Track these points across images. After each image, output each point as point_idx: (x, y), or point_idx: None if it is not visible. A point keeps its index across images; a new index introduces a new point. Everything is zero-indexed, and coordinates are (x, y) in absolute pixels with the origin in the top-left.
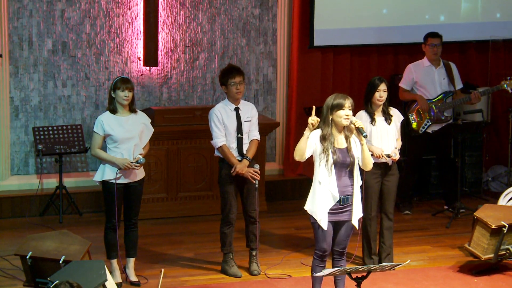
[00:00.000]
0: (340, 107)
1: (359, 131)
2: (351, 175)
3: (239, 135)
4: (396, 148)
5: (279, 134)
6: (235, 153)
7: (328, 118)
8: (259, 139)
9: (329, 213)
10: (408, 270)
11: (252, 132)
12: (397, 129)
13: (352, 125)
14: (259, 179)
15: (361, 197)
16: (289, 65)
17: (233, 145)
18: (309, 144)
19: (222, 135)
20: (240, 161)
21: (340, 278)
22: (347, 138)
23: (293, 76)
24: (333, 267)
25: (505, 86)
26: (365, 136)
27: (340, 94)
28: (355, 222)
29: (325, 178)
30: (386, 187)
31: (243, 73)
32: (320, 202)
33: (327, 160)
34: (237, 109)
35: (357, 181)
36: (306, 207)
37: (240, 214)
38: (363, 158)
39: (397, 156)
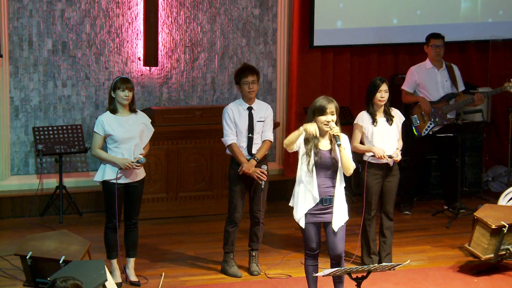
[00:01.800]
0: (321, 112)
1: (335, 139)
2: (334, 177)
3: (250, 135)
4: (397, 149)
5: (279, 134)
6: (244, 152)
7: (311, 121)
8: (272, 140)
9: (312, 214)
10: (408, 270)
11: (265, 133)
12: (398, 130)
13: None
14: (265, 180)
15: (345, 199)
16: (289, 65)
17: (243, 144)
18: (298, 140)
19: (233, 133)
20: (249, 160)
21: (338, 280)
22: (331, 140)
23: (293, 76)
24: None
25: (508, 88)
26: (339, 145)
27: (326, 97)
28: (336, 226)
29: (306, 178)
30: (386, 188)
31: (257, 73)
32: (300, 202)
33: (308, 161)
34: (250, 109)
35: (340, 183)
36: (290, 204)
37: (246, 214)
38: (342, 163)
39: (398, 157)
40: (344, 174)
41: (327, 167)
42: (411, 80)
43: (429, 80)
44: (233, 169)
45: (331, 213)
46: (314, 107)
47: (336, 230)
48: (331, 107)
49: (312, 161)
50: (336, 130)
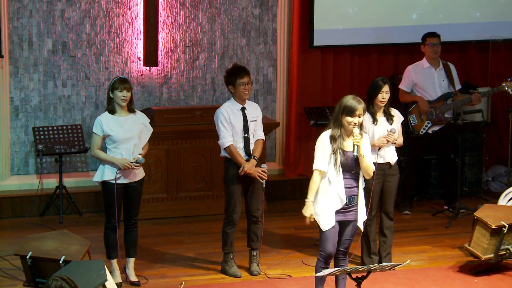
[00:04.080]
0: (350, 113)
1: (354, 148)
2: (357, 177)
3: (246, 135)
4: (390, 131)
5: (279, 134)
6: (242, 152)
7: (339, 119)
8: (264, 138)
9: (336, 212)
10: (408, 270)
11: (257, 132)
12: (398, 130)
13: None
14: (266, 178)
15: (364, 199)
16: (289, 65)
17: (240, 144)
18: (323, 155)
19: (229, 135)
20: (247, 160)
21: (342, 277)
22: None
23: (293, 76)
24: (335, 266)
25: (505, 87)
26: (356, 156)
27: (356, 97)
28: (361, 224)
29: (333, 178)
30: (386, 187)
31: (249, 73)
32: (326, 204)
33: (335, 161)
34: (243, 109)
35: (362, 182)
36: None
37: (243, 213)
38: (362, 168)
39: (395, 134)
40: None
41: (351, 168)
42: (408, 79)
43: (426, 80)
44: (232, 170)
45: (354, 211)
46: (344, 106)
47: (362, 228)
48: (360, 108)
49: (339, 162)
50: (357, 139)
